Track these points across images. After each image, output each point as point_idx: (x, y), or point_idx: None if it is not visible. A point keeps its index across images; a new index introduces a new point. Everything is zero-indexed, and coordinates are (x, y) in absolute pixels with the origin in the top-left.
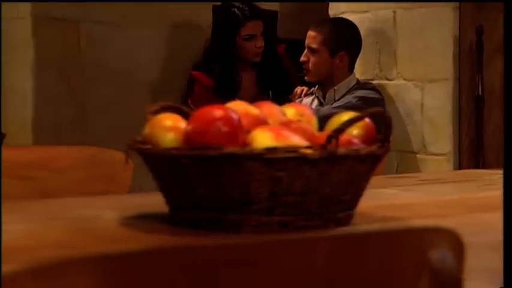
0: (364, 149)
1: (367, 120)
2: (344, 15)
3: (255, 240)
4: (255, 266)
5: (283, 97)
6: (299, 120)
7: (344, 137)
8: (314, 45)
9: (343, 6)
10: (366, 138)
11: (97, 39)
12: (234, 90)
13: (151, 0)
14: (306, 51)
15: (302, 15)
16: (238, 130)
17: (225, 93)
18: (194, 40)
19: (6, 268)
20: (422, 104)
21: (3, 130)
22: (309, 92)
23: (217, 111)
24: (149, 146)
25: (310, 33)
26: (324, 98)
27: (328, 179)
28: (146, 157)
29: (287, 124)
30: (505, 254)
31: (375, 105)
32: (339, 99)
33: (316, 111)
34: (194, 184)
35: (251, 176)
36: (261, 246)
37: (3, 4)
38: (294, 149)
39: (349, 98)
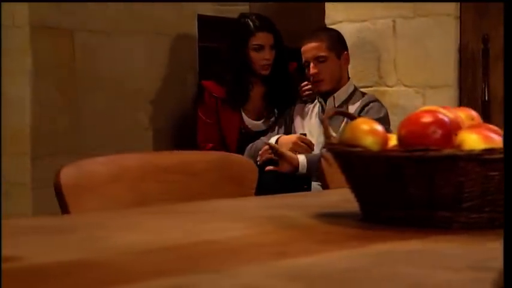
0: None
1: None
2: (342, 24)
3: None
4: None
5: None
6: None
7: None
8: (322, 53)
9: (340, 15)
10: None
11: (91, 48)
12: (242, 100)
13: (143, 0)
14: (312, 64)
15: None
16: (450, 132)
17: (234, 102)
18: (184, 48)
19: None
20: None
21: None
22: (309, 99)
23: (428, 115)
24: (359, 149)
25: (312, 45)
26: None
27: None
28: (351, 158)
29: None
30: (505, 254)
31: (387, 121)
32: (339, 106)
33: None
34: (408, 184)
35: (466, 176)
36: None
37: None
38: None
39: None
